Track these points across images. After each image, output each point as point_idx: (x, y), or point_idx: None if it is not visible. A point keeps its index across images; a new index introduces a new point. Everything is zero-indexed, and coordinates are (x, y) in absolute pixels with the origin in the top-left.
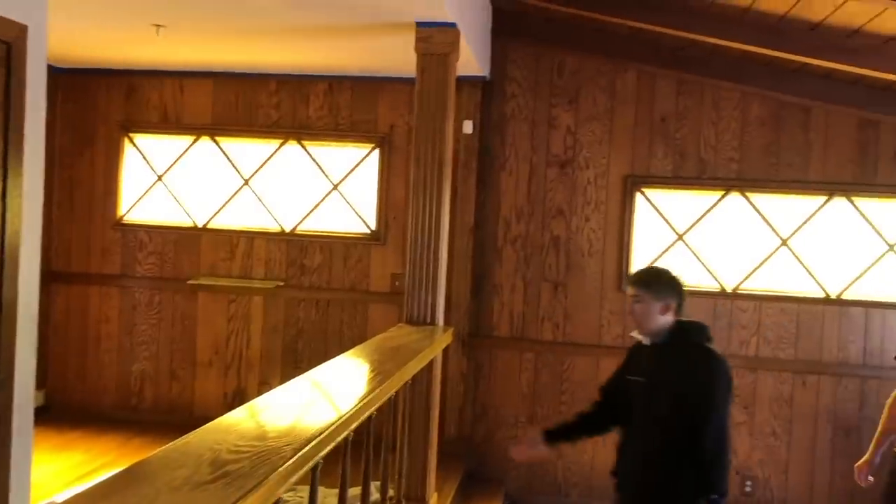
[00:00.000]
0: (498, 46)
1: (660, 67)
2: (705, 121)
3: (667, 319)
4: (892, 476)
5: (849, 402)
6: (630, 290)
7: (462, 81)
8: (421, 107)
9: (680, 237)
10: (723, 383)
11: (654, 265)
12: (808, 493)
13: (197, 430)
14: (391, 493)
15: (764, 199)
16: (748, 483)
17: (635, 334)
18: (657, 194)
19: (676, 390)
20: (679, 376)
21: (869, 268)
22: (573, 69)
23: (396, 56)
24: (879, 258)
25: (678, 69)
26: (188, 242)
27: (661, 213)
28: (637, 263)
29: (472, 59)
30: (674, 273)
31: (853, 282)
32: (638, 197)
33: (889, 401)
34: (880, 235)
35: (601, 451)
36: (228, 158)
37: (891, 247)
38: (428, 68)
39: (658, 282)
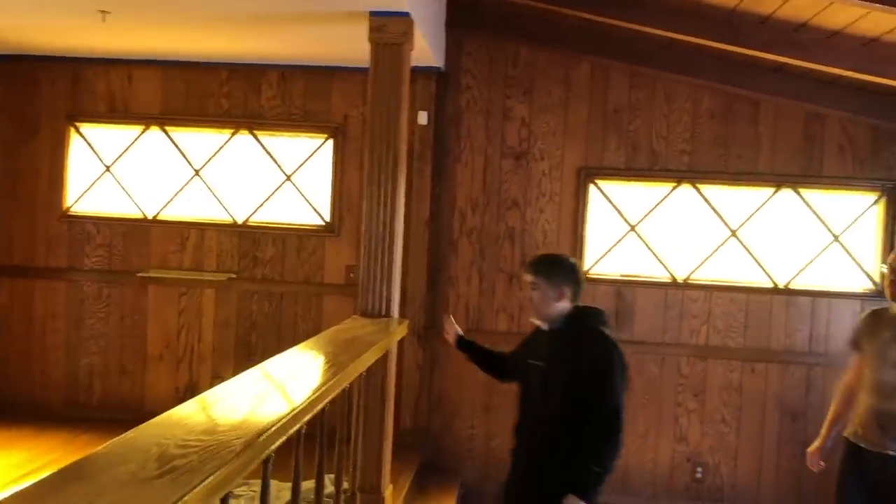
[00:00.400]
0: (452, 37)
1: (613, 60)
2: (657, 113)
3: (563, 306)
4: (844, 463)
5: (795, 389)
6: (527, 278)
7: (417, 72)
8: (375, 97)
9: (632, 228)
10: (618, 367)
11: (553, 253)
12: (757, 478)
13: (144, 424)
14: (346, 485)
15: (714, 191)
16: (699, 469)
17: (534, 320)
18: (610, 186)
19: (573, 373)
20: (575, 360)
21: (815, 258)
22: (527, 61)
23: (350, 45)
24: (825, 248)
25: (631, 62)
26: (138, 234)
27: (614, 205)
28: (590, 255)
29: (426, 50)
30: (571, 261)
31: (800, 272)
32: (591, 188)
33: (839, 386)
34: (826, 226)
35: None
36: (179, 149)
37: (836, 237)
38: (382, 58)
39: (553, 270)
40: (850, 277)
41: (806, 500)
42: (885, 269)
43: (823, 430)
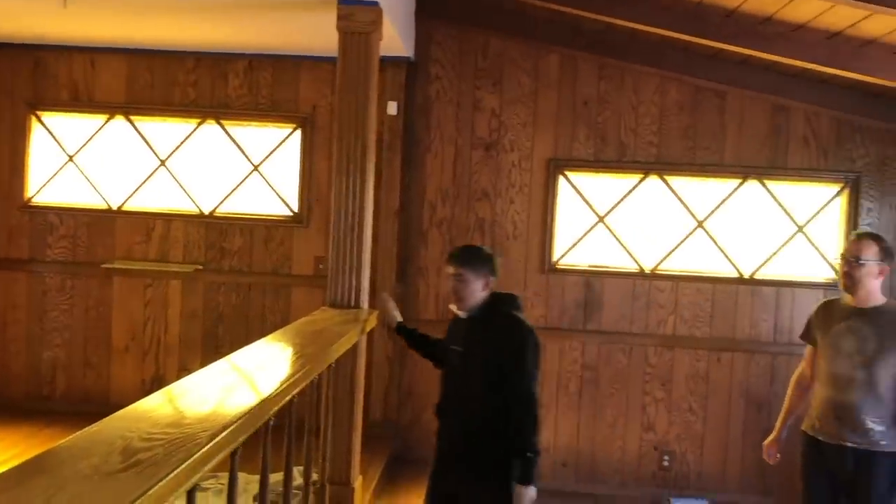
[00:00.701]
0: (422, 27)
1: (582, 51)
2: (626, 105)
3: (484, 293)
4: (805, 457)
5: (760, 378)
6: (451, 269)
7: (386, 62)
8: (343, 87)
9: (601, 219)
10: (531, 349)
11: (472, 245)
12: (722, 466)
13: (108, 417)
14: (315, 477)
15: (681, 182)
16: (665, 458)
17: (454, 308)
18: (579, 177)
19: (491, 357)
20: (493, 344)
21: (780, 248)
22: (497, 51)
23: (318, 34)
24: (790, 239)
25: (600, 53)
26: (102, 225)
27: (582, 196)
28: (560, 245)
29: (395, 39)
30: (489, 250)
31: (765, 262)
32: (561, 180)
33: (792, 379)
34: (790, 217)
35: None
36: (144, 138)
37: (800, 228)
38: (350, 47)
39: (478, 260)
40: (813, 268)
41: (770, 487)
42: (838, 261)
43: (778, 423)
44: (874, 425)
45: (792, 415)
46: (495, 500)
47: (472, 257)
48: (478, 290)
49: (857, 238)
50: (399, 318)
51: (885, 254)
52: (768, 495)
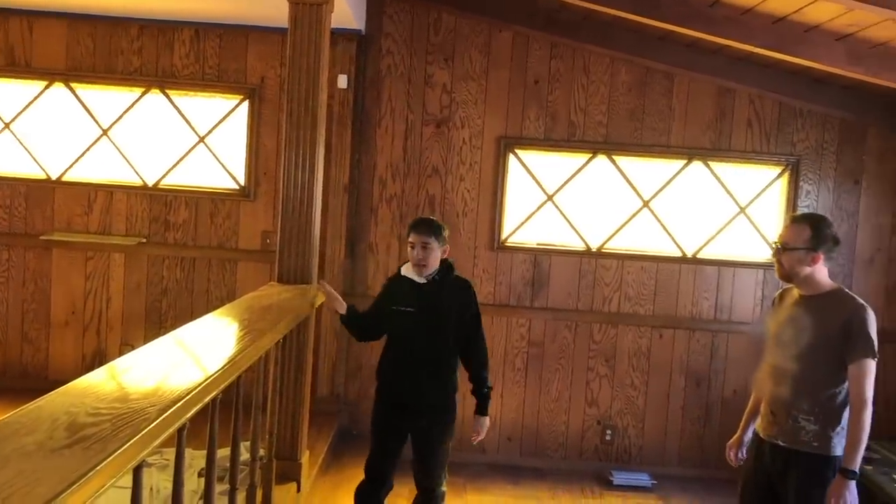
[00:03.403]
0: (374, 0)
1: (534, 30)
2: (576, 84)
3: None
4: (748, 452)
5: (700, 355)
6: (419, 239)
7: (336, 34)
8: (293, 59)
9: (549, 198)
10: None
11: (427, 217)
12: (663, 439)
13: (52, 392)
14: (262, 452)
15: (629, 162)
16: (608, 432)
17: (411, 273)
18: (529, 155)
19: (457, 311)
20: (458, 301)
21: (722, 228)
22: (449, 27)
23: (267, 4)
24: (732, 219)
25: (552, 32)
26: (40, 196)
27: (532, 175)
28: (509, 223)
29: (346, 12)
30: (442, 222)
31: (707, 242)
32: (511, 158)
33: (755, 378)
34: (733, 198)
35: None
36: (85, 107)
37: (742, 209)
38: (300, 18)
39: (440, 230)
40: (754, 248)
41: (708, 460)
42: (774, 246)
43: (742, 423)
44: (806, 423)
45: (754, 415)
46: (446, 431)
47: (437, 228)
48: (438, 258)
49: (791, 223)
50: (344, 306)
51: (820, 240)
52: (706, 468)
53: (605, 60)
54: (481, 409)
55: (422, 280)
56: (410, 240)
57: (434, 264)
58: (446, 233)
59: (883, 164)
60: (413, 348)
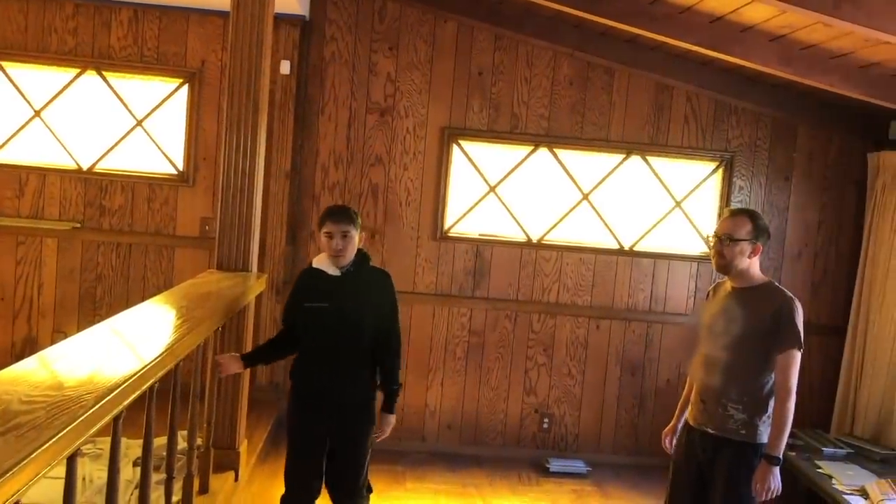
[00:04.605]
0: None
1: (478, 21)
2: (519, 77)
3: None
4: (678, 441)
5: (635, 345)
6: (339, 228)
7: (280, 19)
8: (235, 43)
9: (492, 189)
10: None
11: (341, 204)
12: (598, 427)
13: None
14: (199, 441)
15: (569, 155)
16: (545, 420)
17: (325, 265)
18: (473, 146)
19: (374, 304)
20: (375, 293)
21: (658, 222)
22: (394, 15)
23: None
24: (668, 213)
25: (496, 24)
26: None
27: (475, 166)
28: (451, 213)
29: None
30: None
31: (644, 235)
32: (454, 148)
33: (691, 368)
34: (669, 193)
35: (411, 395)
36: (16, 86)
37: (678, 203)
38: (243, 2)
39: (358, 218)
40: (688, 241)
41: (642, 448)
42: (712, 239)
43: (677, 412)
44: (734, 411)
45: (689, 402)
46: (365, 431)
47: (355, 215)
48: (356, 247)
49: (730, 215)
50: (240, 362)
51: (759, 232)
52: (640, 455)
53: (547, 54)
54: (388, 407)
55: (336, 272)
56: (326, 229)
57: (352, 255)
58: (359, 219)
59: (811, 162)
60: (329, 346)
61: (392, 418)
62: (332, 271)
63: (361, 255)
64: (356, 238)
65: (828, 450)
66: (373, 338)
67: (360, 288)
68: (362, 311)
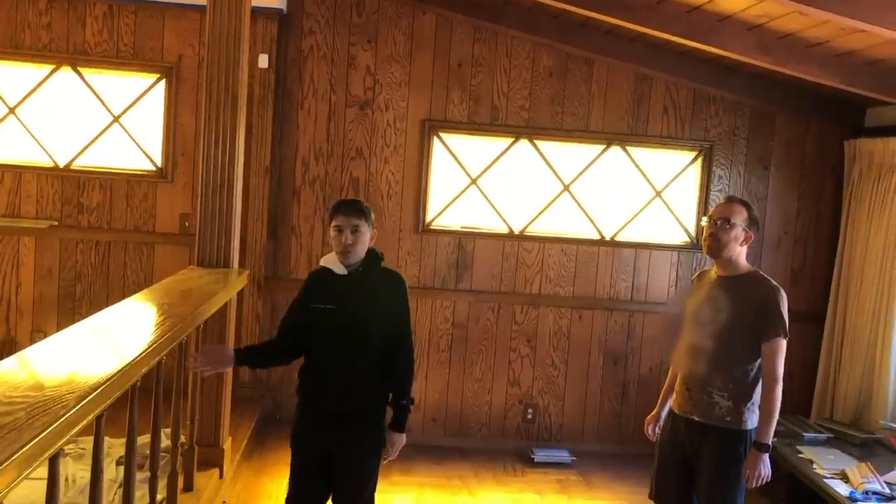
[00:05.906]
0: None
1: (457, 13)
2: (499, 69)
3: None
4: (662, 429)
5: (617, 335)
6: (349, 221)
7: (257, 13)
8: (213, 37)
9: (473, 181)
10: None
11: (355, 198)
12: (581, 416)
13: None
14: (183, 439)
15: (550, 147)
16: (529, 411)
17: (332, 264)
18: (453, 139)
19: (384, 310)
20: (384, 295)
21: (639, 212)
22: (372, 8)
23: None
24: (648, 203)
25: (474, 16)
26: None
27: (456, 158)
28: (433, 206)
29: None
30: None
31: (625, 225)
32: (435, 141)
33: (674, 356)
34: (649, 182)
35: None
36: None
37: (658, 193)
38: None
39: (370, 213)
40: (669, 231)
41: (625, 436)
42: (705, 222)
43: (659, 399)
44: (720, 399)
45: (671, 392)
46: (375, 447)
47: (367, 210)
48: (367, 244)
49: (728, 201)
50: (231, 356)
51: (752, 221)
52: (624, 444)
53: (527, 45)
54: (397, 424)
55: (343, 271)
56: (336, 222)
57: (362, 252)
58: (373, 216)
59: (790, 151)
60: (336, 351)
61: (402, 438)
62: (340, 270)
63: (372, 255)
64: (367, 235)
65: (808, 435)
66: (382, 344)
67: (368, 289)
68: (370, 313)
